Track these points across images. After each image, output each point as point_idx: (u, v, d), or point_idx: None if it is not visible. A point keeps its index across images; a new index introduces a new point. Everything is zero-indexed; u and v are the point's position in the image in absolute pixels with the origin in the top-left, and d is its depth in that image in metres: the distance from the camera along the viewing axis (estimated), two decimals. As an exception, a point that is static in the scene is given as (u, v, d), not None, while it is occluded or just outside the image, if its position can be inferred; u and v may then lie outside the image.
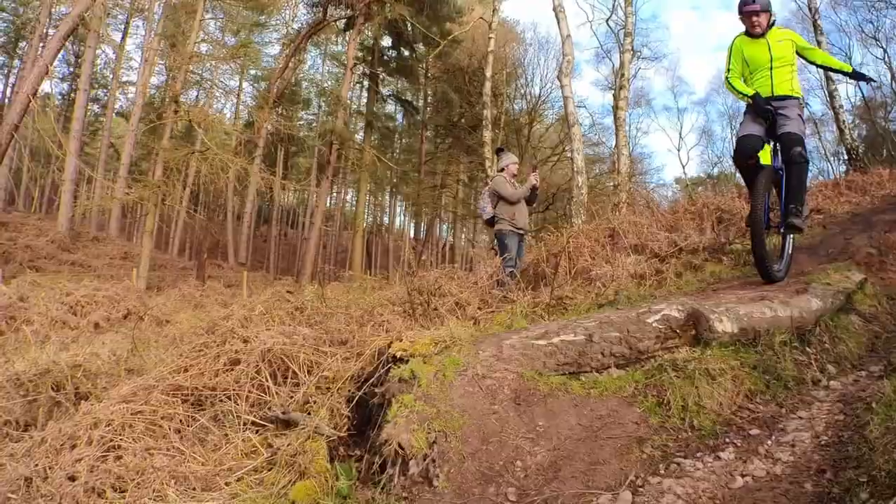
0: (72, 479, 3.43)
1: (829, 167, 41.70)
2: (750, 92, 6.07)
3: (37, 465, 3.61)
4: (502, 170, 9.10)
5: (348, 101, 35.11)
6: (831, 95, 19.75)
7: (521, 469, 2.87)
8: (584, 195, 16.93)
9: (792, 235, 6.37)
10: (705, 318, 4.02)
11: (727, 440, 3.01)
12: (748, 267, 6.96)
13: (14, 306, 13.22)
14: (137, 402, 4.05)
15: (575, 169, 17.48)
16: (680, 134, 74.38)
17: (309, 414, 3.58)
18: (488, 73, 26.02)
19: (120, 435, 3.76)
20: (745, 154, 5.91)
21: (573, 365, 3.65)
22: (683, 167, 64.70)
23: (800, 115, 6.11)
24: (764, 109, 5.95)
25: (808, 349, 4.32)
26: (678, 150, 62.42)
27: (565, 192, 30.34)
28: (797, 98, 6.17)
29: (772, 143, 6.15)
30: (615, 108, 24.09)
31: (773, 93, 6.12)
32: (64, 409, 4.84)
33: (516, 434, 3.07)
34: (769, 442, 2.97)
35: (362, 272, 28.85)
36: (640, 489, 2.54)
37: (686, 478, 2.54)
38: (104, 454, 3.62)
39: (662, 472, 2.68)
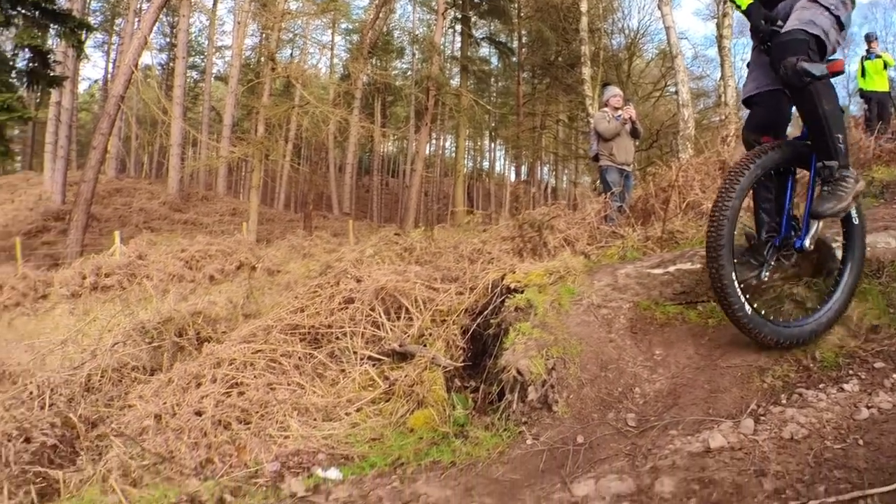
0: (198, 413, 3.62)
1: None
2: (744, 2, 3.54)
3: (165, 402, 3.82)
4: (606, 104, 8.91)
5: (442, 47, 34.88)
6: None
7: (639, 396, 2.87)
8: (690, 129, 16.36)
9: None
10: (827, 245, 3.85)
11: (850, 372, 2.91)
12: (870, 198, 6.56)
13: (134, 264, 14.03)
14: (257, 342, 4.23)
15: (680, 102, 16.90)
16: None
17: (425, 346, 3.66)
18: (584, 8, 25.21)
19: (242, 372, 3.94)
20: (750, 127, 3.69)
21: (690, 294, 3.58)
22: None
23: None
24: (756, 27, 3.52)
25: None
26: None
27: (669, 128, 29.37)
28: None
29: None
30: (719, 37, 23.03)
31: None
32: (187, 353, 5.10)
33: (634, 362, 3.06)
34: (895, 375, 2.85)
35: (464, 218, 29.00)
36: (762, 417, 2.49)
37: (809, 408, 2.47)
38: (228, 390, 3.81)
39: (784, 401, 2.61)
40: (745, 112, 3.78)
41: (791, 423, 2.37)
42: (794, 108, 3.52)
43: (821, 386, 2.74)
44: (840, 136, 3.21)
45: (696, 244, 5.43)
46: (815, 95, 3.15)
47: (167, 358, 5.12)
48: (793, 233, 3.34)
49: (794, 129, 3.86)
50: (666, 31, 18.22)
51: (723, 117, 20.24)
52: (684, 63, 18.72)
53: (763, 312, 3.05)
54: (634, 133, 8.85)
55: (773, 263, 3.32)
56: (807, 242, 3.25)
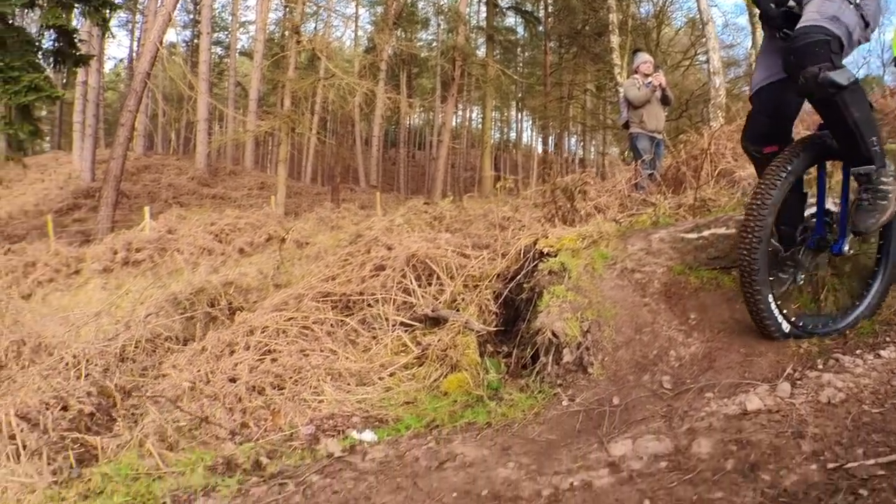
0: (232, 380, 3.66)
1: None
2: None
3: (199, 370, 3.87)
4: (636, 71, 8.80)
5: (467, 17, 34.55)
6: None
7: (675, 359, 2.85)
8: (721, 97, 16.10)
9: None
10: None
11: (887, 339, 2.86)
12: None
13: (164, 239, 14.18)
14: (289, 310, 4.26)
15: (711, 70, 16.63)
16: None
17: (457, 311, 3.66)
18: (611, -25, 24.82)
19: (275, 339, 3.98)
20: (751, 138, 3.25)
21: (724, 259, 3.54)
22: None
23: None
24: (765, 11, 3.09)
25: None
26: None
27: (699, 97, 28.94)
28: None
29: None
30: (749, 5, 22.54)
31: None
32: (220, 323, 5.15)
33: (669, 325, 3.03)
34: (933, 342, 2.81)
35: (492, 188, 28.86)
36: (799, 382, 2.46)
37: (846, 373, 2.44)
38: (261, 357, 3.85)
39: (821, 366, 2.59)
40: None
41: (828, 388, 2.34)
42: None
43: (857, 352, 2.70)
44: (874, 138, 2.81)
45: (728, 212, 5.36)
46: (843, 106, 2.71)
47: (200, 328, 5.19)
48: (828, 232, 3.09)
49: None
50: (696, -3, 17.90)
51: (754, 85, 19.88)
52: (715, 30, 18.39)
53: (801, 324, 2.93)
54: (665, 100, 8.73)
55: (807, 266, 3.12)
56: (845, 247, 3.01)
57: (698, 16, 18.78)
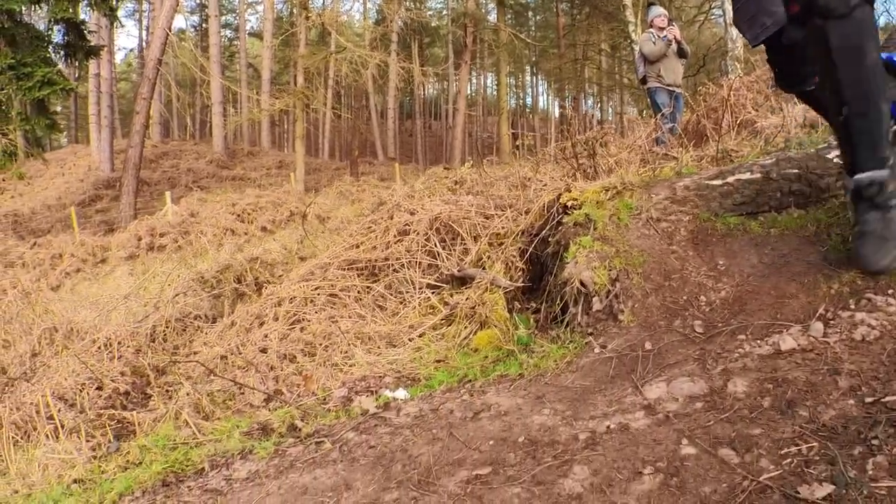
0: (263, 350, 3.72)
1: None
2: None
3: (230, 343, 3.92)
4: (651, 25, 8.68)
5: (477, -18, 34.21)
6: None
7: (705, 304, 2.83)
8: (739, 49, 15.83)
9: None
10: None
11: (920, 277, 2.82)
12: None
13: (186, 222, 14.32)
14: (315, 279, 4.30)
15: (727, 21, 16.34)
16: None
17: (484, 269, 3.67)
18: (621, -70, 24.35)
19: (303, 308, 4.02)
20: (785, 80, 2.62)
21: (750, 204, 3.49)
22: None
23: None
24: None
25: None
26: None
27: (715, 52, 28.46)
28: None
29: None
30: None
31: None
32: (247, 298, 5.20)
33: (697, 272, 3.01)
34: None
35: (511, 154, 28.75)
36: (832, 322, 2.43)
37: (879, 312, 2.40)
38: (290, 327, 3.89)
39: (853, 306, 2.54)
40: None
41: (862, 326, 2.31)
42: None
43: (889, 291, 2.66)
44: (886, 108, 1.94)
45: (752, 160, 5.28)
46: (864, 26, 1.89)
47: (228, 305, 5.25)
48: None
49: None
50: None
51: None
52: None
53: None
54: (682, 53, 8.62)
55: None
56: None
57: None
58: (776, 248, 3.21)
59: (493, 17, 35.72)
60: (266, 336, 3.87)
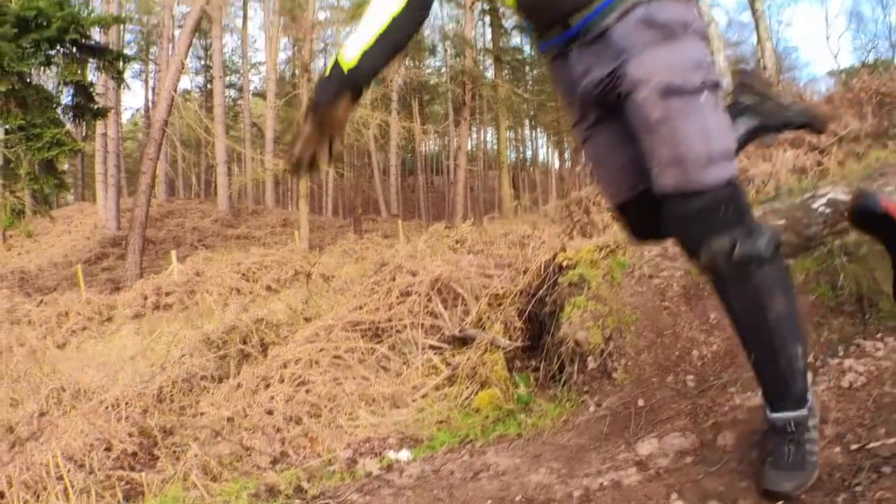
0: (269, 412, 3.77)
1: None
2: None
3: (236, 405, 3.98)
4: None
5: (473, 40, 34.82)
6: None
7: (697, 358, 2.91)
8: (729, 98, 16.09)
9: None
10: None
11: (909, 320, 2.90)
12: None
13: (192, 281, 14.37)
14: (320, 341, 4.37)
15: (718, 72, 16.64)
16: (826, 20, 68.52)
17: (484, 329, 3.75)
18: (614, -14, 24.89)
19: (308, 370, 4.08)
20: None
21: (740, 258, 3.58)
22: (835, 57, 59.63)
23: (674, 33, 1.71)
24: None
25: None
26: (827, 38, 57.60)
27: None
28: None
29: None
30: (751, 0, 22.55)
31: None
32: (253, 359, 5.26)
33: (689, 327, 3.10)
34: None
35: (512, 208, 28.95)
36: (821, 369, 2.51)
37: (867, 357, 2.49)
38: (296, 388, 3.95)
39: (842, 353, 2.63)
40: (785, 76, 2.47)
41: (849, 373, 2.39)
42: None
43: (878, 336, 2.74)
44: (800, 348, 1.76)
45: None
46: (762, 289, 1.72)
47: (234, 365, 5.30)
48: None
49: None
50: None
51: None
52: (719, 30, 18.44)
53: None
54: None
55: None
56: None
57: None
58: (767, 300, 3.29)
59: (490, 74, 36.26)
60: (272, 398, 3.93)
